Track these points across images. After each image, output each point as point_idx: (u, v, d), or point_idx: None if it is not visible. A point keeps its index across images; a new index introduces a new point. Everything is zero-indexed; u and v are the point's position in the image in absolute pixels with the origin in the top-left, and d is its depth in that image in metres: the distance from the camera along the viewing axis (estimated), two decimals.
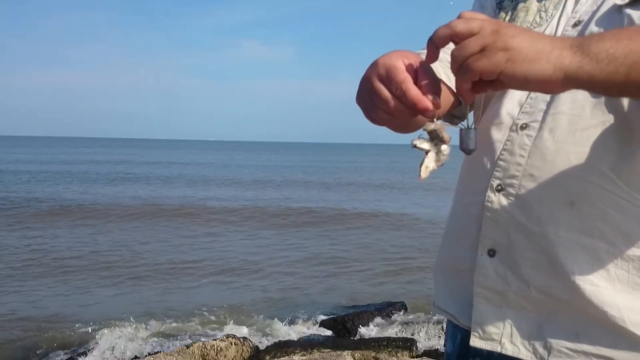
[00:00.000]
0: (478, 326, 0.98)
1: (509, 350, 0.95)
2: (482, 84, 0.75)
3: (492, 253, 0.96)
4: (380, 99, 0.80)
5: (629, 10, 0.90)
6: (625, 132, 0.89)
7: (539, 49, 0.72)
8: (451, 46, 0.76)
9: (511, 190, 0.94)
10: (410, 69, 0.79)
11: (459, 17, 0.76)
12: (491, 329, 0.97)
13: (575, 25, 0.96)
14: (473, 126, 0.82)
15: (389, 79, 0.78)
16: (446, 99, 1.06)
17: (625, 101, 0.89)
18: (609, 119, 0.90)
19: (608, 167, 0.89)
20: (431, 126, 0.81)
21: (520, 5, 1.05)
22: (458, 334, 1.07)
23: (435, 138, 0.82)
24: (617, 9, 0.91)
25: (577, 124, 0.91)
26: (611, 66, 0.72)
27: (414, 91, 0.76)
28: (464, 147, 0.82)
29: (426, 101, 0.76)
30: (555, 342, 0.92)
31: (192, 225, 13.33)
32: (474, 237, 0.98)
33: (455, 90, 0.79)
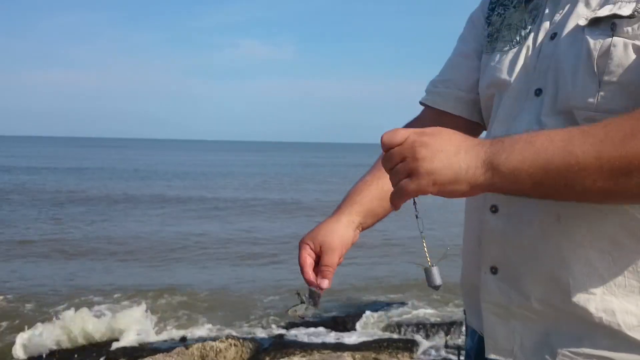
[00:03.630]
0: (490, 339, 1.02)
1: None
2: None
3: (494, 270, 1.00)
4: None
5: (587, 33, 0.91)
6: None
7: (455, 170, 0.81)
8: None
9: (504, 210, 0.98)
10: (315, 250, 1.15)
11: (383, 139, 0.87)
12: (502, 341, 1.01)
13: (552, 38, 0.98)
14: (433, 264, 0.94)
15: (299, 254, 1.14)
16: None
17: (577, 113, 0.92)
18: None
19: None
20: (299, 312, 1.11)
21: (504, 24, 1.10)
22: (476, 332, 1.10)
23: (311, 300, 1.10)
24: (581, 29, 0.93)
25: None
26: (518, 184, 0.81)
27: (307, 273, 1.13)
28: (431, 285, 0.94)
29: (313, 282, 1.13)
30: (560, 348, 0.94)
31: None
32: (479, 256, 1.03)
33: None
